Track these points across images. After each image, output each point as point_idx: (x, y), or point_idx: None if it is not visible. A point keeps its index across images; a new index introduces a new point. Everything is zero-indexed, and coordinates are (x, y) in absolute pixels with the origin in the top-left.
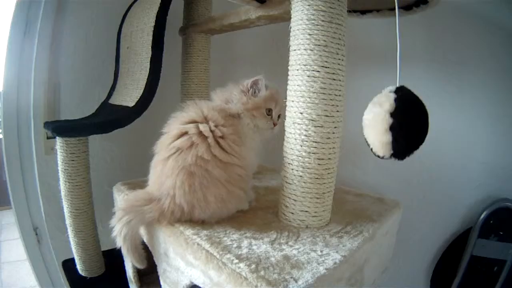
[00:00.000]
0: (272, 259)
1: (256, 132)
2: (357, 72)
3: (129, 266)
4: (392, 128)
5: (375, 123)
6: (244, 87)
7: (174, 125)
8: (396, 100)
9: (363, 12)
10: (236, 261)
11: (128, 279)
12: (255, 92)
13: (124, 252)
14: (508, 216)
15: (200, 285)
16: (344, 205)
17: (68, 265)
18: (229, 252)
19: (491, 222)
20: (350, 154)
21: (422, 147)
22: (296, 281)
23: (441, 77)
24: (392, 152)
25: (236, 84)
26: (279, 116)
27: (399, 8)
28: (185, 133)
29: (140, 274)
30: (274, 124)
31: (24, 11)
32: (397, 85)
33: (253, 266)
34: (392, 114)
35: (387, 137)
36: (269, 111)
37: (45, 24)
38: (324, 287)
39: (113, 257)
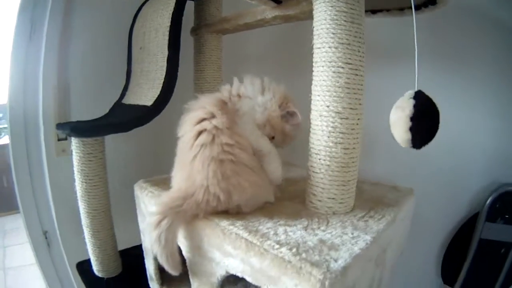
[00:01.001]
0: (310, 243)
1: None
2: (369, 69)
3: (150, 263)
4: (411, 129)
5: (398, 124)
6: (285, 106)
7: (188, 127)
8: (414, 106)
9: (374, 12)
10: (277, 246)
11: (149, 277)
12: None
13: (162, 259)
14: None
15: (238, 273)
16: (362, 193)
17: (83, 267)
18: (268, 239)
19: (497, 206)
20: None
21: None
22: (336, 261)
23: (445, 68)
24: (411, 145)
25: (283, 93)
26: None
27: (413, 8)
28: (203, 131)
29: (161, 271)
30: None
31: (29, 13)
32: (416, 90)
33: (294, 249)
34: (412, 119)
35: (408, 136)
36: (272, 137)
37: (52, 26)
38: (359, 267)
39: (130, 256)
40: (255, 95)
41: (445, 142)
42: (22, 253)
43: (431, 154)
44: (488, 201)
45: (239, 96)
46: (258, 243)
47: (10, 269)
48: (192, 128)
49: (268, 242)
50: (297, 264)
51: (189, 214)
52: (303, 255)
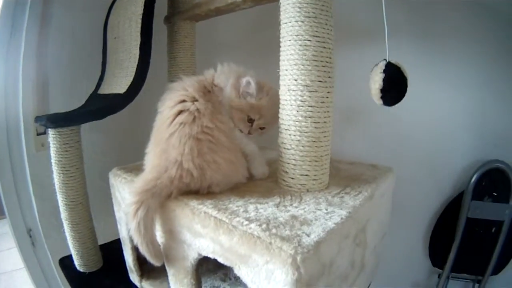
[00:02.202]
0: (281, 219)
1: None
2: (343, 46)
3: (129, 254)
4: (381, 90)
5: (373, 84)
6: (237, 84)
7: (169, 104)
8: (383, 79)
9: None
10: (246, 222)
11: (128, 269)
12: (243, 95)
13: (143, 248)
14: (500, 177)
15: (209, 254)
16: (339, 172)
17: (65, 263)
18: (237, 216)
19: (483, 184)
20: (337, 128)
21: (410, 117)
22: (308, 235)
23: (426, 48)
24: (382, 103)
25: (238, 72)
26: (262, 128)
27: None
28: (184, 110)
29: (140, 262)
30: (249, 133)
31: (11, 9)
32: (386, 60)
33: (264, 225)
34: (382, 90)
35: (379, 94)
36: (250, 120)
37: (32, 19)
38: (335, 242)
39: (110, 250)
40: (225, 85)
41: (427, 121)
42: (13, 257)
43: (413, 133)
44: (473, 179)
45: (216, 86)
46: (227, 220)
47: (2, 274)
48: (174, 106)
49: (237, 219)
50: (267, 240)
51: (164, 193)
52: (273, 230)
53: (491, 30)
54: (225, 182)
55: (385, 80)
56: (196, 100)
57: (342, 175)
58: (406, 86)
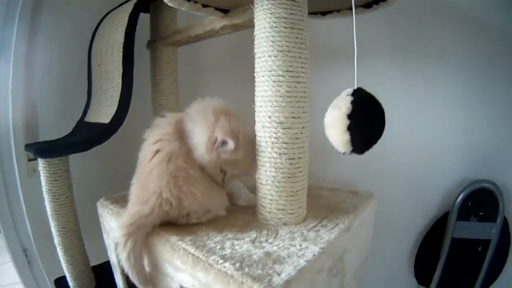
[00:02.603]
0: (255, 256)
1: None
2: (320, 73)
3: (119, 278)
4: (349, 128)
5: (334, 125)
6: (209, 142)
7: (149, 141)
8: (352, 102)
9: (324, 13)
10: (221, 261)
11: None
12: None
13: (132, 276)
14: (486, 197)
15: (190, 287)
16: (318, 200)
17: (61, 283)
18: (213, 253)
19: (469, 204)
20: (319, 152)
21: (393, 137)
22: (279, 274)
23: (407, 68)
24: (351, 148)
25: (211, 114)
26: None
27: (356, 7)
28: (160, 150)
29: (131, 286)
30: (222, 181)
31: None
32: (355, 87)
33: (238, 264)
34: (349, 116)
35: (346, 137)
36: (223, 170)
37: (19, 45)
38: (307, 279)
39: (103, 271)
40: (193, 133)
41: (411, 141)
42: (9, 271)
43: (397, 153)
44: (459, 199)
45: (187, 132)
46: (204, 258)
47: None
48: (153, 144)
49: (213, 257)
50: (239, 279)
51: (148, 224)
52: (246, 269)
53: (478, 49)
54: (201, 211)
55: (354, 104)
56: (172, 141)
57: (322, 203)
58: (383, 122)
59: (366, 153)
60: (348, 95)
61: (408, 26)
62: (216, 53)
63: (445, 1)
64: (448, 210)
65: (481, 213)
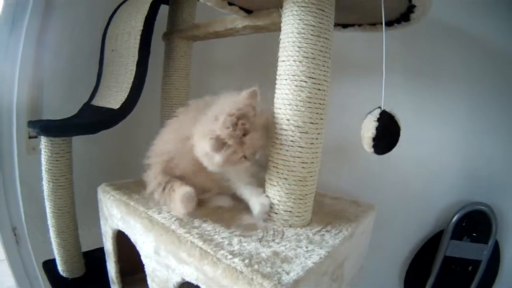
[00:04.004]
0: (263, 254)
1: None
2: (337, 83)
3: (112, 266)
4: (373, 146)
5: (365, 142)
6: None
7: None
8: (377, 128)
9: (345, 26)
10: (230, 256)
11: (110, 280)
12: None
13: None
14: (481, 218)
15: (193, 281)
16: (322, 207)
17: (49, 266)
18: (222, 248)
19: (464, 224)
20: (324, 160)
21: (395, 153)
22: (287, 273)
23: (413, 87)
24: (373, 151)
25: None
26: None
27: (376, 25)
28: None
29: (123, 274)
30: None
31: (12, 9)
32: (381, 109)
33: (247, 260)
34: (373, 139)
35: (371, 150)
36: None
37: (32, 22)
38: (312, 280)
39: (94, 259)
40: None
41: (413, 159)
42: None
43: (398, 170)
44: (454, 219)
45: None
46: (212, 252)
47: None
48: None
49: (222, 251)
50: (249, 275)
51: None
52: (255, 266)
53: (480, 72)
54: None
55: (378, 129)
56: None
57: (326, 210)
58: (398, 135)
59: (367, 169)
60: (374, 120)
61: (420, 49)
62: (228, 53)
63: (458, 27)
64: (442, 228)
65: (474, 234)
